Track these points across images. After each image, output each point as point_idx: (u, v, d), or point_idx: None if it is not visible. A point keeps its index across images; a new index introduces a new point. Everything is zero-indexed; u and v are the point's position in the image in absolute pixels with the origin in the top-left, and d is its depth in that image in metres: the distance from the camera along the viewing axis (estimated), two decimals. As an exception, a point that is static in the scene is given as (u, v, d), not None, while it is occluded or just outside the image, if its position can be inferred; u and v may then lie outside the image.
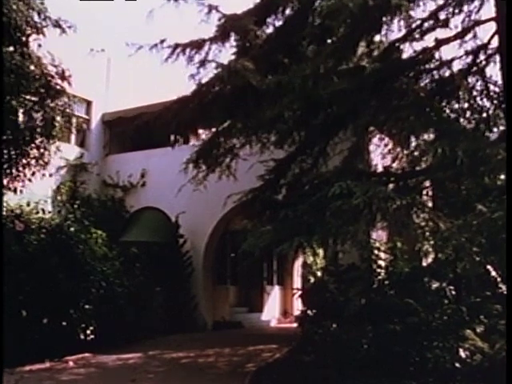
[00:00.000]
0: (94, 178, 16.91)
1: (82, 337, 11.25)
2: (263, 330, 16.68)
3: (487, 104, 11.82)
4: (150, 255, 14.71)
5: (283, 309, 19.59)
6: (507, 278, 6.68)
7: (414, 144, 11.21)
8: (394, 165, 11.47)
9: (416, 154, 11.07)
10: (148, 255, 14.62)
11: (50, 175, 12.73)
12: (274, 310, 19.39)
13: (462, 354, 8.14)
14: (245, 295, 18.79)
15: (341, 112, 9.35)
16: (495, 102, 11.56)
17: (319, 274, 17.06)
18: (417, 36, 9.68)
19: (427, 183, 9.45)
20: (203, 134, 14.79)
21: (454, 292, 10.12)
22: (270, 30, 10.87)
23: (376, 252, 11.95)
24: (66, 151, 16.35)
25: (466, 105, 11.65)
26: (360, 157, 9.73)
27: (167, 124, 10.18)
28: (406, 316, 9.45)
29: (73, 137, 16.85)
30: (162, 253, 15.27)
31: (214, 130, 10.06)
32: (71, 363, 10.14)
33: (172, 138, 13.30)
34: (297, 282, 19.84)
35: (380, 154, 12.06)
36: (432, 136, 8.72)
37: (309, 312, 10.32)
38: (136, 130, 15.49)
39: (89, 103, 17.35)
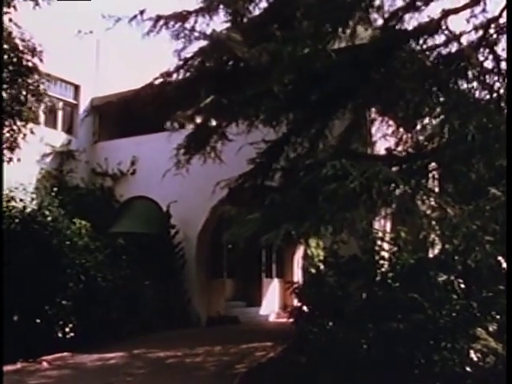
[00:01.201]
0: (82, 166, 16.06)
1: (61, 335, 10.41)
2: (261, 325, 15.84)
3: (498, 83, 10.89)
4: (140, 247, 13.88)
5: (283, 303, 18.71)
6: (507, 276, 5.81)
7: (419, 126, 10.37)
8: (399, 148, 10.58)
9: (421, 137, 10.22)
10: (137, 247, 13.80)
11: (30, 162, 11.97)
12: (274, 303, 18.54)
13: (473, 355, 7.26)
14: (242, 289, 17.95)
15: (338, 88, 8.41)
16: (507, 80, 10.63)
17: (321, 266, 16.24)
18: (420, 4, 8.71)
19: (434, 166, 8.51)
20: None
21: (463, 286, 9.27)
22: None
23: (379, 242, 11.19)
24: (52, 138, 15.62)
25: (475, 83, 10.72)
26: (359, 137, 8.78)
27: (148, 103, 9.28)
28: (410, 312, 8.61)
29: (59, 123, 16.03)
30: (152, 244, 14.42)
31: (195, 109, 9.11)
32: (45, 364, 9.34)
33: (167, 123, 12.52)
34: (297, 275, 18.99)
35: (382, 136, 11.17)
36: (439, 110, 7.78)
37: (304, 308, 9.43)
38: (125, 114, 14.79)
39: (76, 87, 16.48)
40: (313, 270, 17.84)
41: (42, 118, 15.42)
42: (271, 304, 18.37)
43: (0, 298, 8.53)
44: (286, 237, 6.67)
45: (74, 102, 16.38)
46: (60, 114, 16.03)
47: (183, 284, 14.53)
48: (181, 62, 9.34)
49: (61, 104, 16.02)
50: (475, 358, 7.22)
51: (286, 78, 7.90)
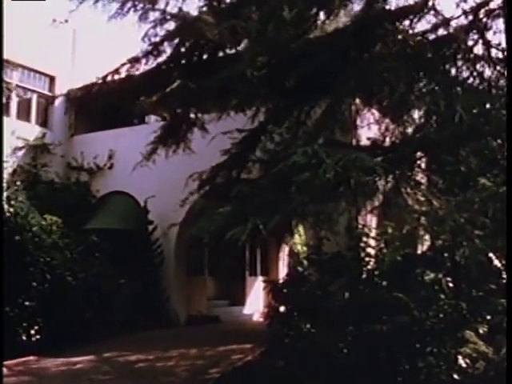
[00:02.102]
0: (57, 161, 15.36)
1: (25, 338, 9.77)
2: (243, 325, 15.22)
3: (488, 72, 10.31)
4: (116, 244, 13.24)
5: (268, 301, 18.07)
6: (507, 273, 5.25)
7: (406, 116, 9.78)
8: (384, 139, 9.98)
9: (408, 127, 9.63)
10: (113, 244, 13.17)
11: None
12: (258, 302, 17.88)
13: (462, 361, 6.68)
14: (225, 287, 17.32)
15: (317, 71, 7.79)
16: (498, 68, 10.05)
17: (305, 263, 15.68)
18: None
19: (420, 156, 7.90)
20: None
21: (451, 284, 8.72)
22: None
23: (364, 239, 10.66)
24: (26, 131, 14.95)
25: (465, 73, 10.15)
26: (339, 125, 8.16)
27: (113, 91, 8.65)
28: (395, 313, 8.04)
29: (33, 115, 15.34)
30: (129, 241, 13.78)
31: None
32: (4, 370, 8.67)
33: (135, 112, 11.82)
34: (283, 273, 18.36)
35: (367, 125, 10.58)
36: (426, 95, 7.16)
37: (281, 309, 8.84)
38: (102, 106, 14.13)
39: (52, 79, 15.77)
40: (299, 268, 17.27)
41: (13, 110, 14.87)
42: (255, 303, 17.72)
43: (0, 297, 8.17)
44: (254, 232, 6.05)
45: (50, 93, 15.67)
46: (34, 106, 15.34)
47: (162, 282, 13.89)
48: (149, 47, 8.68)
49: (35, 96, 15.35)
50: (464, 364, 6.65)
51: (258, 61, 7.27)
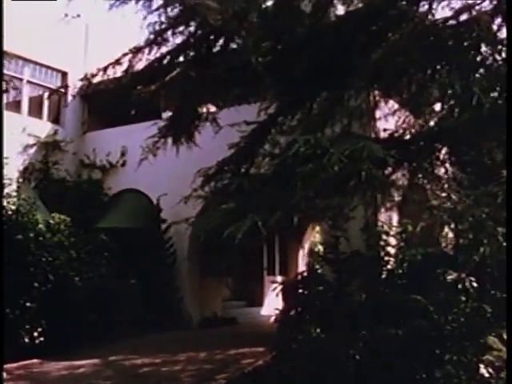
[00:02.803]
0: (69, 158, 15.07)
1: (28, 340, 9.43)
2: (260, 326, 14.70)
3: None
4: (127, 243, 12.89)
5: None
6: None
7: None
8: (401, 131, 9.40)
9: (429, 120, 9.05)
10: (124, 243, 12.83)
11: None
12: (277, 303, 17.37)
13: (484, 370, 6.10)
14: (242, 287, 16.85)
15: (326, 60, 7.27)
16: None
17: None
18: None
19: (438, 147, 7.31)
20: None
21: (475, 285, 8.12)
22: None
23: (384, 237, 10.13)
24: (37, 128, 14.68)
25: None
26: (355, 117, 7.61)
27: (114, 83, 8.24)
28: (412, 317, 7.50)
29: (45, 112, 15.06)
30: (140, 240, 13.39)
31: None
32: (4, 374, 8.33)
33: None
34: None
35: (385, 119, 10.03)
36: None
37: (292, 311, 8.32)
38: (115, 102, 13.77)
39: (64, 74, 15.48)
40: (317, 267, 16.66)
41: (25, 106, 14.62)
42: (274, 303, 17.20)
43: (0, 296, 7.84)
44: (252, 230, 5.55)
45: (62, 89, 15.37)
46: (46, 102, 15.06)
47: (174, 282, 13.49)
48: (152, 36, 8.25)
49: (47, 92, 15.08)
50: (486, 374, 6.07)
51: (263, 47, 6.77)
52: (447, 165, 7.56)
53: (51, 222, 11.40)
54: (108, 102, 14.21)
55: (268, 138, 8.36)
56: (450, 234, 9.51)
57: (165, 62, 8.48)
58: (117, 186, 14.89)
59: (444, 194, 7.81)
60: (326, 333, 7.08)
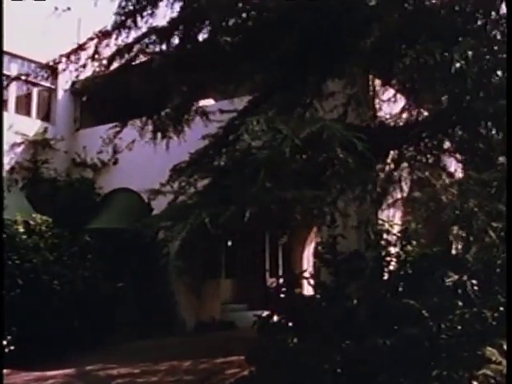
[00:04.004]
0: (61, 156, 14.49)
1: (-4, 349, 8.82)
2: (259, 331, 13.98)
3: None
4: (118, 244, 12.29)
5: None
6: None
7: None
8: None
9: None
10: (115, 244, 12.24)
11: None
12: (280, 306, 16.66)
13: (478, 387, 5.31)
14: (243, 290, 16.13)
15: (304, 39, 6.52)
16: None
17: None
18: None
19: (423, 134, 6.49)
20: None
21: (477, 288, 7.32)
22: None
23: (385, 236, 9.41)
24: (25, 125, 14.13)
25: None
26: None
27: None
28: (406, 324, 6.74)
29: (34, 109, 14.51)
30: (132, 241, 12.74)
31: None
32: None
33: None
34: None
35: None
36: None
37: (276, 318, 7.58)
38: (107, 98, 13.20)
39: (54, 70, 14.87)
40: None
41: (11, 104, 14.07)
42: (277, 306, 16.50)
43: (0, 297, 7.74)
44: (199, 229, 4.83)
45: (52, 86, 14.81)
46: (35, 99, 14.51)
47: (167, 285, 12.81)
48: (120, 19, 7.58)
49: (36, 89, 14.52)
50: (481, 392, 5.28)
51: (231, 25, 6.04)
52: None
53: (31, 222, 10.84)
54: (100, 97, 13.72)
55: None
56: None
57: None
58: (109, 185, 14.29)
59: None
60: (305, 342, 6.32)
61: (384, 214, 10.36)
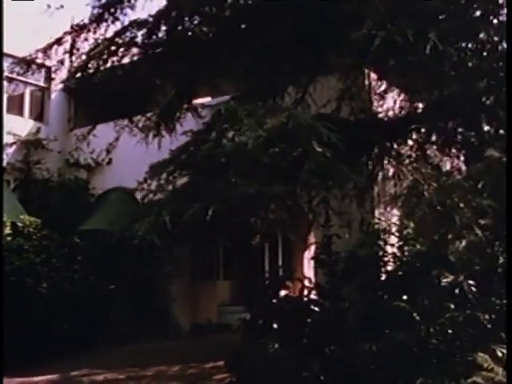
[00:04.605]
0: (54, 157, 14.25)
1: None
2: (256, 334, 13.65)
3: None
4: (110, 245, 12.00)
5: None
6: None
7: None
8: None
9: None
10: (107, 246, 11.96)
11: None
12: (280, 307, 16.31)
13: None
14: (242, 292, 15.77)
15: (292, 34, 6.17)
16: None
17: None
18: None
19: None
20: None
21: (474, 289, 6.95)
22: None
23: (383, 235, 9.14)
24: (18, 125, 13.89)
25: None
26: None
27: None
28: (396, 328, 6.39)
29: (26, 109, 14.27)
30: (125, 242, 12.45)
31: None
32: None
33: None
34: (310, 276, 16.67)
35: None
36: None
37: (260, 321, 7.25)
38: (101, 96, 12.95)
39: (48, 69, 14.64)
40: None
41: (3, 103, 13.82)
42: (277, 308, 16.15)
43: (0, 297, 7.59)
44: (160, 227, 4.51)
45: (45, 85, 14.56)
46: (27, 98, 14.27)
47: (161, 287, 12.51)
48: (97, 12, 7.28)
49: (28, 88, 14.27)
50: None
51: (204, 13, 5.71)
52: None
53: (19, 224, 10.60)
54: (94, 96, 13.46)
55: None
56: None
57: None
58: (103, 185, 14.02)
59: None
60: (286, 348, 5.98)
61: (379, 213, 10.09)
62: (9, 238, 9.63)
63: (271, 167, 4.48)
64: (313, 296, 9.38)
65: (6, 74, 13.72)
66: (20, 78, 13.98)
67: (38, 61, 8.53)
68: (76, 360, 9.53)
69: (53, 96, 14.60)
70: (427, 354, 5.64)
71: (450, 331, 5.87)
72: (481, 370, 5.18)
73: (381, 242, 8.98)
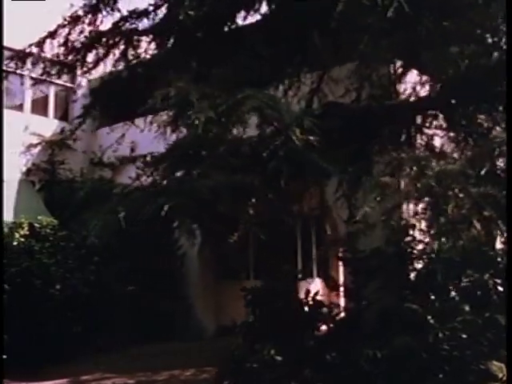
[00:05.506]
0: (79, 156, 14.13)
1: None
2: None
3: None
4: (128, 245, 11.74)
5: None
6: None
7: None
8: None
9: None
10: (129, 245, 11.70)
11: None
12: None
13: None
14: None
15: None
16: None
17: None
18: None
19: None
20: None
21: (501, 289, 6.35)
22: None
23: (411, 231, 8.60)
24: (43, 126, 13.84)
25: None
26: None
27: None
28: (407, 332, 5.85)
29: (51, 109, 14.20)
30: (147, 241, 12.18)
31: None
32: None
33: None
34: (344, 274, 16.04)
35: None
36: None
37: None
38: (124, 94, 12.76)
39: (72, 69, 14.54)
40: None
41: (27, 104, 13.80)
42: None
43: (0, 298, 7.64)
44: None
45: (69, 84, 14.45)
46: (52, 99, 14.20)
47: (184, 287, 12.18)
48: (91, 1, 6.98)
49: (53, 88, 14.20)
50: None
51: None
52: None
53: (36, 225, 10.48)
54: (117, 95, 13.27)
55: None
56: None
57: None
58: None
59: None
60: (281, 355, 5.51)
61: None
62: (22, 240, 9.45)
63: (249, 157, 4.02)
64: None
65: (32, 74, 13.73)
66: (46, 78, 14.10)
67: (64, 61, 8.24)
68: (84, 363, 9.31)
69: (77, 95, 14.46)
70: (436, 361, 5.07)
71: (464, 336, 5.27)
72: (494, 382, 4.61)
73: (409, 238, 8.46)
